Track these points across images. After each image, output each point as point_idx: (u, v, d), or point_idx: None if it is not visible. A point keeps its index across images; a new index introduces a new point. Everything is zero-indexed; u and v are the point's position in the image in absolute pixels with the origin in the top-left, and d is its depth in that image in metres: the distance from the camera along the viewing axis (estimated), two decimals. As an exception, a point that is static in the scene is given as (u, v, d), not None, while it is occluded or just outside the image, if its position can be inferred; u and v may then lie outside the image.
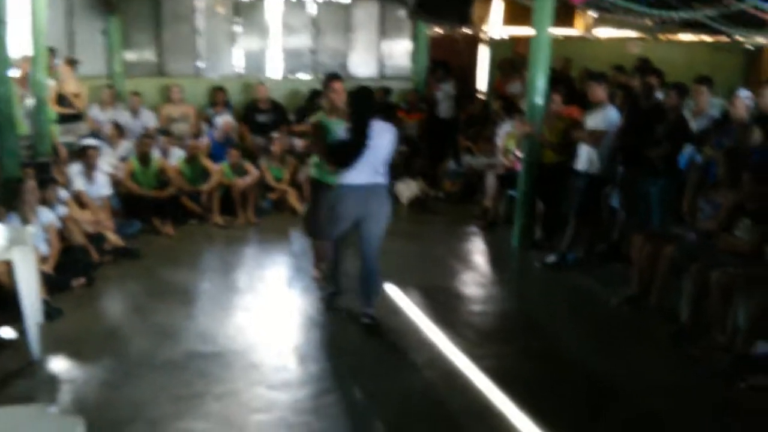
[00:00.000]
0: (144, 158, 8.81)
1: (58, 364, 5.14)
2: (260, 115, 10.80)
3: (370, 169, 5.57)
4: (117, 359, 5.20)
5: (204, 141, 9.80)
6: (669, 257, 5.85)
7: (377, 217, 5.71)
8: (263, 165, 9.49)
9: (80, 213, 7.44)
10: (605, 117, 7.08)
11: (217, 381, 4.89)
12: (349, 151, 5.55)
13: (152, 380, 4.90)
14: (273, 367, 5.12)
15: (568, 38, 13.10)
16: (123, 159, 9.19)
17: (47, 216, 6.63)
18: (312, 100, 10.79)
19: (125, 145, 9.51)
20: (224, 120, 10.10)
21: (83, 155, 8.06)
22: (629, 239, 6.57)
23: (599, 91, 7.15)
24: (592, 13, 12.48)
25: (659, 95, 7.31)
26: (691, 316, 5.57)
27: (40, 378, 4.94)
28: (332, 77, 6.27)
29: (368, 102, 5.70)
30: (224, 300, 6.41)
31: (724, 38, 12.59)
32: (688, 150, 7.11)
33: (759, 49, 13.51)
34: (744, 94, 6.54)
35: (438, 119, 11.65)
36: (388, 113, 11.31)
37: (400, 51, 12.63)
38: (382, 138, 5.61)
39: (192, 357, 5.23)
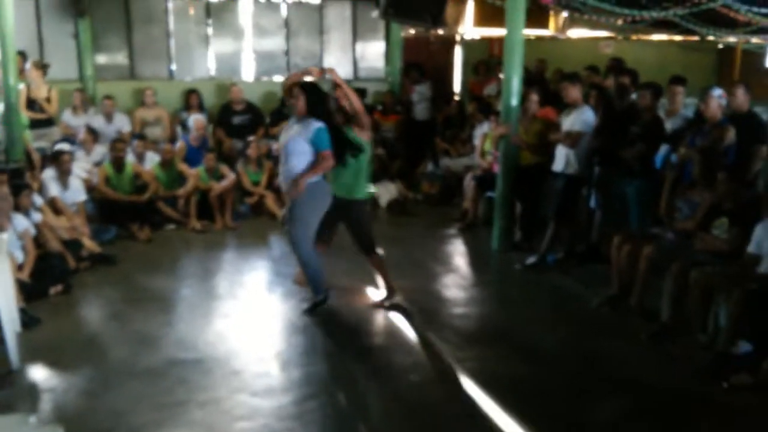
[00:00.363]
0: (118, 163, 8.72)
1: (37, 373, 5.07)
2: (236, 117, 10.71)
3: None
4: (96, 367, 5.14)
5: (179, 145, 9.72)
6: (648, 257, 5.88)
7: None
8: (240, 169, 9.43)
9: (55, 219, 7.36)
10: (581, 118, 7.12)
11: (199, 388, 4.84)
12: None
13: (132, 388, 4.84)
14: (255, 374, 5.07)
15: (540, 39, 13.19)
16: (97, 164, 9.10)
17: (22, 223, 6.54)
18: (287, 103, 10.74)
19: (99, 150, 9.41)
20: (195, 119, 9.97)
21: (57, 161, 7.95)
22: (608, 240, 6.60)
23: (574, 92, 7.19)
24: (564, 14, 12.58)
25: (633, 95, 7.36)
26: (671, 316, 5.61)
27: (19, 387, 4.87)
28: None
29: (321, 98, 5.86)
30: (204, 306, 6.36)
31: (695, 38, 12.75)
32: (663, 150, 7.17)
33: (730, 48, 13.70)
34: (717, 93, 6.59)
35: (414, 121, 11.66)
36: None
37: (374, 52, 12.64)
38: None
39: (172, 364, 5.18)
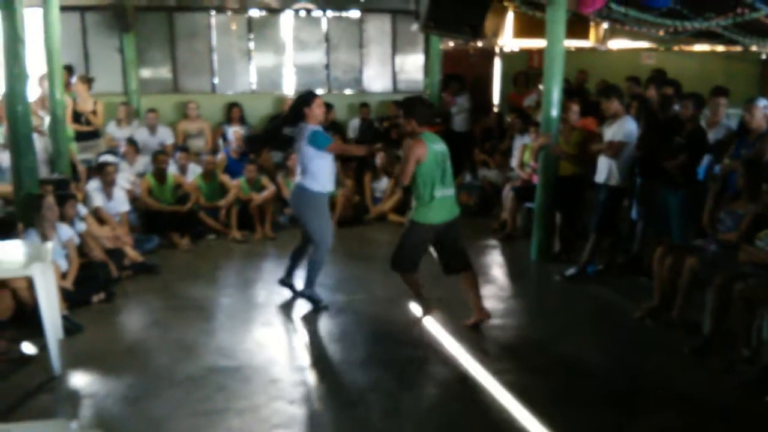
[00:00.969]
0: (160, 175, 8.86)
1: (79, 380, 5.15)
2: (284, 128, 10.80)
3: None
4: (137, 374, 5.20)
5: (220, 157, 9.85)
6: (691, 269, 5.79)
7: None
8: (280, 180, 9.51)
9: (99, 229, 7.49)
10: (623, 128, 7.04)
11: (237, 396, 4.88)
12: None
13: (172, 395, 4.89)
14: (293, 382, 5.09)
15: (580, 50, 13.11)
16: (141, 175, 9.25)
17: (66, 232, 6.67)
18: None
19: (142, 161, 9.57)
20: (234, 131, 10.12)
21: (101, 172, 8.10)
22: (650, 251, 6.51)
23: (612, 106, 7.11)
24: (605, 25, 12.50)
25: (676, 106, 7.27)
26: (714, 329, 5.51)
27: (61, 393, 4.96)
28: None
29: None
30: (243, 315, 6.41)
31: (738, 48, 12.57)
32: (706, 161, 7.07)
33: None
34: (763, 104, 6.48)
35: (453, 132, 11.65)
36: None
37: (413, 65, 12.68)
38: None
39: (211, 372, 5.23)
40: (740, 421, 4.63)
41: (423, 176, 5.77)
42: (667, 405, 4.80)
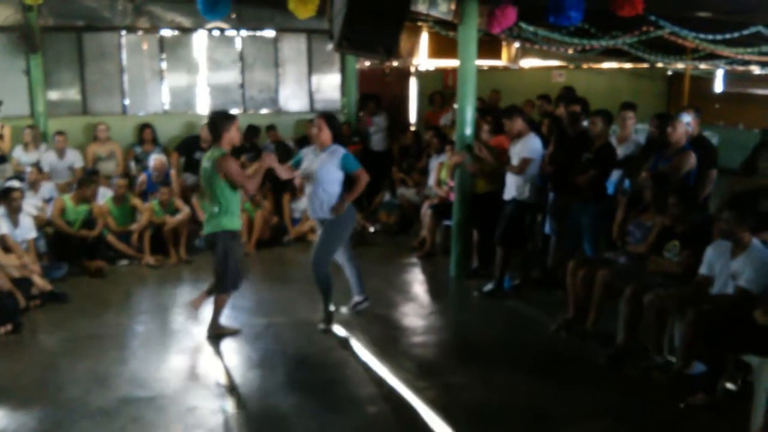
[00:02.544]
0: (84, 198, 8.63)
1: (-14, 416, 4.93)
2: (198, 153, 10.60)
3: None
4: (47, 407, 5.01)
5: (141, 179, 9.63)
6: (602, 281, 5.93)
7: None
8: (195, 202, 9.34)
9: (5, 257, 7.19)
10: (527, 145, 7.17)
11: (153, 427, 4.75)
12: None
13: (84, 428, 4.73)
14: (211, 410, 4.98)
15: (493, 69, 13.37)
16: (48, 200, 8.95)
17: (-31, 262, 6.40)
18: (249, 137, 10.66)
19: (48, 187, 9.27)
20: (155, 158, 9.91)
21: (6, 198, 7.79)
22: (564, 265, 6.64)
23: (515, 125, 7.24)
24: (516, 44, 12.78)
25: (585, 123, 7.46)
26: (627, 339, 5.66)
27: (-34, 431, 4.73)
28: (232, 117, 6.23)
29: (339, 126, 6.55)
30: (158, 342, 6.25)
31: (645, 65, 13.02)
32: (615, 176, 7.26)
33: (679, 74, 14.00)
34: (686, 120, 6.71)
35: (371, 152, 11.69)
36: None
37: (329, 84, 12.65)
38: None
39: (125, 403, 5.07)
40: (657, 428, 4.75)
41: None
42: (583, 416, 4.89)
